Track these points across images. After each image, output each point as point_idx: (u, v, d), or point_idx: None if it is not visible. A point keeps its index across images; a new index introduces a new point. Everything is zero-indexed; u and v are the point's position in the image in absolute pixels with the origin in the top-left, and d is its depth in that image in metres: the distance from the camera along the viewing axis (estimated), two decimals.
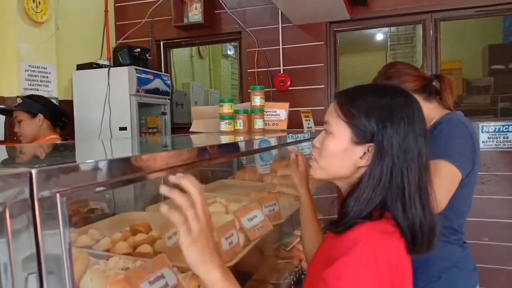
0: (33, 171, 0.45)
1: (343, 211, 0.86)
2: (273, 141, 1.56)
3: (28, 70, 3.14)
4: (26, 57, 3.13)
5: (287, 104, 2.31)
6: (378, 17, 3.48)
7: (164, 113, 3.78)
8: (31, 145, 1.72)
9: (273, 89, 3.72)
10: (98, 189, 0.56)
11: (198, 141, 1.46)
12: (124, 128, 3.28)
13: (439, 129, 1.37)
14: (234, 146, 1.23)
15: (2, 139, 3.03)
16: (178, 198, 0.68)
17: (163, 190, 0.66)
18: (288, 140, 1.84)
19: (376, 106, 0.87)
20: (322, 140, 0.95)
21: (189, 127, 2.61)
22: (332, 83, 3.68)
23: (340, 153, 0.90)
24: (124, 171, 0.61)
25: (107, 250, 1.03)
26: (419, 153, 0.85)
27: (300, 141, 2.16)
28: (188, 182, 0.69)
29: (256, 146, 1.34)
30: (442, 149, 1.30)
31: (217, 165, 2.21)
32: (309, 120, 3.39)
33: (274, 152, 2.41)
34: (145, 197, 1.57)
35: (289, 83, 3.68)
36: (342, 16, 3.41)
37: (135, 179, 0.68)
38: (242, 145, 1.23)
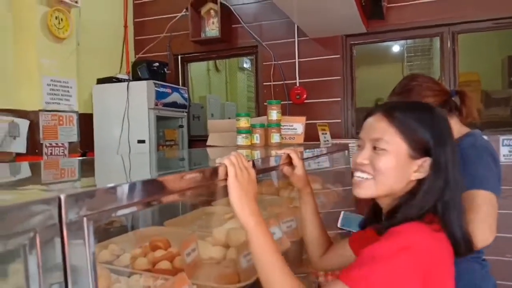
0: (62, 196, 0.46)
1: (390, 220, 0.88)
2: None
3: (50, 85, 3.22)
4: (48, 72, 3.21)
5: (303, 118, 2.31)
6: (394, 30, 3.47)
7: (181, 126, 3.82)
8: (53, 162, 1.75)
9: (289, 102, 3.73)
10: (122, 211, 0.57)
11: (216, 156, 1.47)
12: (143, 141, 3.33)
13: (465, 154, 1.32)
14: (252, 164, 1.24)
15: (24, 151, 3.10)
16: (233, 155, 0.90)
17: (219, 160, 0.88)
18: (306, 155, 1.84)
19: (426, 120, 0.90)
20: (368, 157, 0.93)
21: (206, 140, 2.63)
22: (349, 96, 3.67)
23: (398, 169, 0.89)
24: (148, 192, 0.62)
25: (127, 266, 1.04)
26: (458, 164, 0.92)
27: (318, 156, 2.15)
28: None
29: (274, 163, 1.34)
30: (476, 178, 1.24)
31: None
32: (326, 133, 3.38)
33: None
34: (163, 211, 1.59)
35: (305, 96, 3.69)
36: (358, 29, 3.42)
37: (159, 199, 0.69)
38: (261, 163, 1.24)
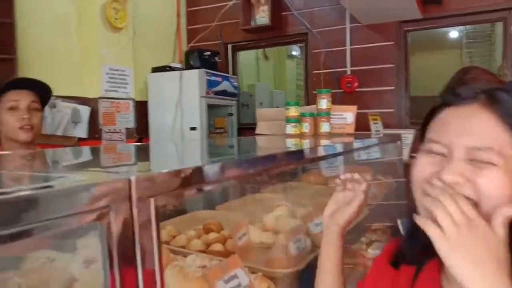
0: (132, 178, 0.51)
1: None
2: (344, 147, 1.55)
3: (108, 73, 3.40)
4: (107, 61, 3.39)
5: (354, 107, 2.28)
6: (452, 15, 3.30)
7: (231, 114, 3.89)
8: (115, 146, 1.86)
9: (339, 91, 3.67)
10: (185, 192, 0.61)
11: (266, 144, 1.50)
12: (194, 128, 3.43)
13: None
14: (302, 153, 1.25)
15: (86, 136, 3.30)
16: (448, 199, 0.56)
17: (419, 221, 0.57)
18: (356, 146, 1.82)
19: None
20: (462, 171, 0.60)
21: (255, 128, 2.67)
22: (402, 84, 3.56)
23: (507, 188, 0.59)
24: (204, 178, 0.66)
25: (183, 247, 1.10)
26: None
27: (368, 147, 2.12)
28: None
29: (323, 153, 1.35)
30: None
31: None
32: (378, 123, 3.31)
33: (346, 155, 2.39)
34: (215, 196, 1.65)
35: (356, 84, 3.61)
36: (413, 15, 3.29)
37: (212, 184, 0.73)
38: (312, 152, 1.25)
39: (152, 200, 0.53)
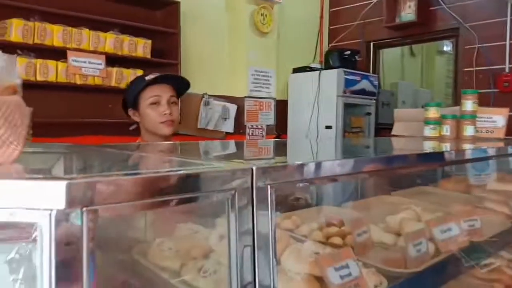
0: (254, 168, 0.62)
1: None
2: (488, 152, 1.45)
3: (253, 75, 3.70)
4: (253, 63, 3.69)
5: (506, 110, 2.05)
6: None
7: (368, 114, 3.84)
8: (256, 141, 2.05)
9: (494, 90, 3.30)
10: (300, 184, 0.71)
11: (398, 145, 1.49)
12: (330, 127, 3.50)
13: None
14: (437, 156, 1.22)
15: (232, 131, 3.66)
16: None
17: None
18: (505, 151, 1.66)
19: None
20: None
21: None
22: None
23: None
24: (321, 172, 0.74)
25: (305, 236, 1.19)
26: None
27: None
28: None
29: (461, 157, 1.28)
30: None
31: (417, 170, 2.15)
32: None
33: (490, 162, 2.17)
34: (341, 193, 1.71)
35: None
36: None
37: (329, 180, 0.80)
38: (447, 156, 1.22)
39: (269, 187, 0.64)
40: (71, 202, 0.43)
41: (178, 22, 3.07)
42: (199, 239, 1.00)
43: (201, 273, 0.91)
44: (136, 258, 0.91)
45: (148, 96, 1.56)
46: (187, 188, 0.55)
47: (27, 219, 0.44)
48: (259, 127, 3.72)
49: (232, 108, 3.63)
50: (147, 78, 1.58)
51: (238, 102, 3.65)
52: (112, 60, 2.81)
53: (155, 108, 1.57)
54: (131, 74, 2.84)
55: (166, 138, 1.64)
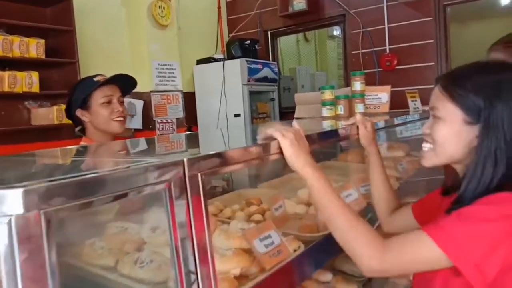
0: (185, 159, 0.71)
1: (460, 193, 0.84)
2: (378, 125, 1.68)
3: (157, 68, 3.67)
4: (155, 56, 3.66)
5: (388, 87, 2.37)
6: None
7: (272, 99, 4.06)
8: (167, 136, 2.07)
9: (378, 70, 3.72)
10: (225, 170, 0.80)
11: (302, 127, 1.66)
12: (238, 115, 3.64)
13: None
14: (333, 133, 1.40)
15: (141, 128, 3.61)
16: (280, 128, 0.93)
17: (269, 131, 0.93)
18: (387, 124, 1.93)
19: (483, 82, 0.84)
20: (431, 126, 0.91)
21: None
22: (443, 59, 3.54)
23: (453, 136, 0.86)
24: (242, 158, 0.85)
25: (229, 218, 1.30)
26: None
27: (405, 123, 2.21)
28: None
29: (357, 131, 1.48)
30: None
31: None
32: (416, 100, 3.33)
33: (381, 133, 2.48)
34: (256, 176, 1.85)
35: (396, 62, 3.64)
36: None
37: (251, 163, 0.91)
38: (342, 132, 1.40)
39: (200, 175, 0.73)
40: (28, 206, 0.47)
41: (72, 19, 2.92)
42: (130, 234, 1.05)
43: (138, 264, 0.97)
44: (71, 260, 0.94)
45: (99, 96, 1.62)
46: (131, 183, 0.62)
47: None
48: (169, 121, 3.73)
49: (139, 104, 3.57)
50: (95, 79, 1.63)
51: (144, 97, 3.60)
52: (2, 63, 2.59)
53: (108, 106, 1.63)
54: (25, 77, 2.64)
55: (115, 136, 1.73)
